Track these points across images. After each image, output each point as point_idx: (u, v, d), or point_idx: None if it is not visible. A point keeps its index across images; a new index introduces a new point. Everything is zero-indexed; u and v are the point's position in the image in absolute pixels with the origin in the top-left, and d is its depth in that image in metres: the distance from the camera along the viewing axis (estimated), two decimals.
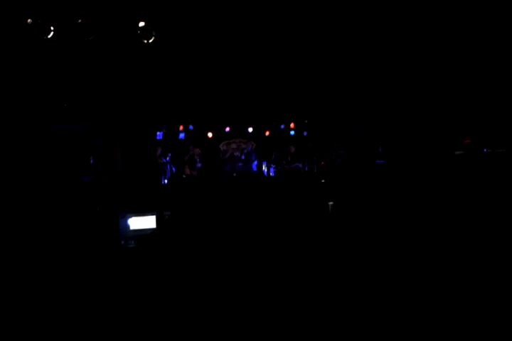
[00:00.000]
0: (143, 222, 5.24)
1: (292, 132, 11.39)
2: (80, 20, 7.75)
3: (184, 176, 9.46)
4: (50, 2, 7.49)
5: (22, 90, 7.94)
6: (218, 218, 3.38)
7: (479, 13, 8.06)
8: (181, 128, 10.83)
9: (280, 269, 3.00)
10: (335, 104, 10.84)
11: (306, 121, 11.44)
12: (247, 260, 2.95)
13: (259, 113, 11.03)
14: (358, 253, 3.62)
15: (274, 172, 10.25)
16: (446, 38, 8.82)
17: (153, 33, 8.06)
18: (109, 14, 7.92)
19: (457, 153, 9.47)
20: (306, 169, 10.39)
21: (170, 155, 9.84)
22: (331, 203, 6.36)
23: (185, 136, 10.85)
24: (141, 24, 7.95)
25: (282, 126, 11.44)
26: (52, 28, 7.54)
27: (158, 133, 10.60)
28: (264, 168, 10.46)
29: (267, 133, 11.39)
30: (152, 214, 5.28)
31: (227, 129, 11.15)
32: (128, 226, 5.20)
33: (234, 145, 11.26)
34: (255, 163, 10.49)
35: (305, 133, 11.47)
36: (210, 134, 11.07)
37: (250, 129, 11.21)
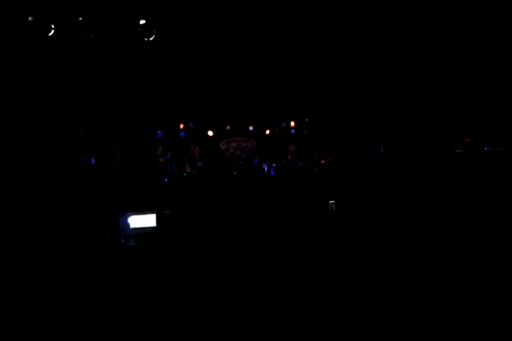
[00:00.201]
0: (143, 221, 5.26)
1: (293, 131, 11.38)
2: (80, 18, 7.75)
3: (184, 175, 9.46)
4: (51, 0, 7.49)
5: (22, 88, 7.94)
6: (218, 216, 3.38)
7: (479, 12, 8.06)
8: (181, 126, 10.82)
9: (280, 267, 3.00)
10: (335, 102, 10.83)
11: (307, 120, 11.43)
12: (247, 258, 2.95)
13: (259, 111, 11.02)
14: (358, 251, 3.62)
15: (274, 170, 10.25)
16: (447, 36, 8.82)
17: (154, 31, 8.06)
18: (110, 12, 7.92)
19: (457, 151, 9.47)
20: (306, 167, 10.39)
21: (170, 153, 9.84)
22: (331, 202, 6.37)
23: (185, 134, 10.85)
24: (142, 22, 7.94)
25: (283, 125, 11.43)
26: (53, 26, 7.53)
27: (158, 131, 10.59)
28: (264, 166, 10.45)
29: (268, 132, 11.38)
30: (152, 213, 5.30)
31: (228, 128, 11.14)
32: (128, 225, 5.22)
33: (234, 144, 11.26)
34: (255, 161, 10.48)
35: (305, 132, 11.46)
36: (210, 133, 11.07)
37: (251, 128, 11.21)
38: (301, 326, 2.48)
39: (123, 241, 4.92)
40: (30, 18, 7.33)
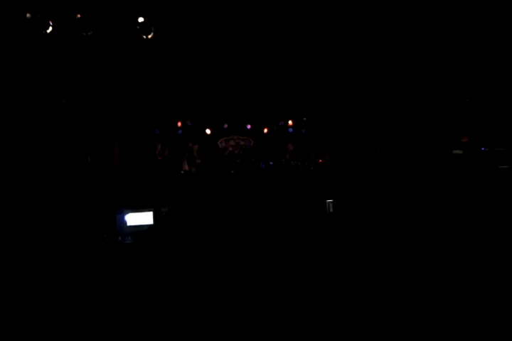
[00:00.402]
0: (140, 218, 5.26)
1: (290, 129, 11.38)
2: (79, 15, 7.72)
3: (182, 172, 9.46)
4: None
5: (20, 85, 7.91)
6: (215, 215, 3.38)
7: (478, 13, 8.06)
8: (179, 124, 10.81)
9: (276, 265, 3.00)
10: (333, 101, 10.83)
11: (305, 119, 11.43)
12: (244, 256, 2.95)
13: (257, 110, 11.02)
14: (356, 250, 3.62)
15: (272, 169, 10.25)
16: (444, 37, 8.83)
17: (153, 29, 8.04)
18: (108, 9, 7.90)
19: (455, 152, 9.49)
20: (301, 167, 10.40)
21: (167, 151, 9.83)
22: (329, 201, 6.37)
23: (183, 132, 10.84)
24: (141, 20, 7.92)
25: (281, 124, 11.43)
26: (51, 23, 7.51)
27: (156, 129, 10.59)
28: (261, 165, 10.45)
29: (265, 131, 11.37)
30: (149, 211, 5.30)
31: (226, 126, 11.14)
32: (125, 222, 5.21)
33: (232, 143, 11.25)
34: (253, 160, 10.48)
35: (303, 131, 11.46)
36: (208, 131, 11.06)
37: (249, 126, 11.20)
38: (297, 324, 2.49)
39: (120, 238, 4.91)
40: (28, 15, 7.30)
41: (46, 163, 6.87)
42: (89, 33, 7.87)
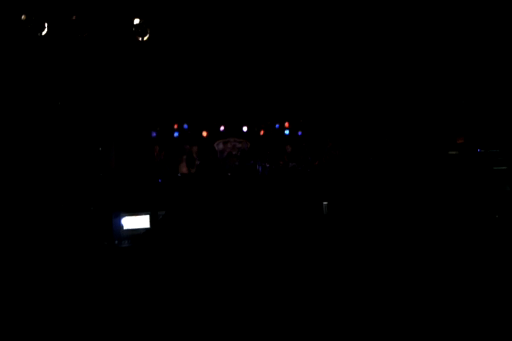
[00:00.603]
0: (136, 222, 5.23)
1: (287, 131, 11.36)
2: (74, 17, 7.70)
3: (179, 175, 9.43)
4: None
5: (15, 87, 7.87)
6: (213, 218, 3.36)
7: (474, 16, 8.10)
8: (175, 127, 10.78)
9: (273, 268, 2.99)
10: (329, 103, 10.84)
11: (301, 121, 11.42)
12: (240, 259, 2.94)
13: (253, 112, 11.01)
14: (352, 252, 3.61)
15: (268, 171, 10.24)
16: (440, 39, 8.85)
17: (148, 31, 8.02)
18: (104, 11, 7.88)
19: (451, 153, 9.51)
20: (300, 169, 10.40)
21: (163, 154, 9.80)
22: (325, 203, 6.37)
23: (179, 135, 10.81)
24: (136, 21, 7.91)
25: (277, 126, 11.42)
26: (46, 25, 7.48)
27: (152, 132, 10.55)
28: (258, 167, 10.44)
29: (262, 133, 11.36)
30: (146, 214, 5.27)
31: (222, 128, 11.11)
32: (121, 226, 5.18)
33: (229, 145, 11.24)
34: (251, 162, 10.48)
35: (299, 133, 11.45)
36: (204, 133, 11.04)
37: (245, 128, 11.18)
38: (295, 323, 2.48)
39: (116, 242, 4.89)
40: (23, 17, 7.27)
41: (41, 168, 6.83)
42: (84, 35, 7.84)
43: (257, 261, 3.05)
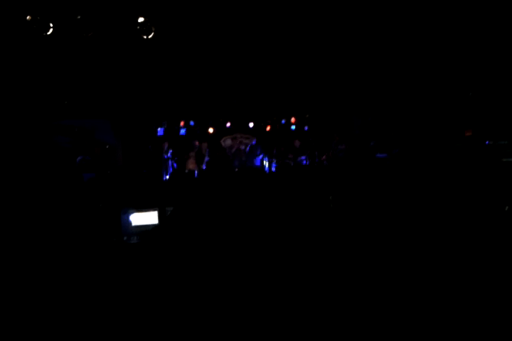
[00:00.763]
0: (145, 218, 5.26)
1: (293, 127, 11.36)
2: (79, 17, 7.73)
3: (186, 171, 9.47)
4: None
5: (22, 87, 7.93)
6: (221, 213, 3.38)
7: (480, 7, 8.03)
8: (182, 124, 10.82)
9: (281, 263, 3.00)
10: (335, 97, 10.81)
11: (307, 116, 11.42)
12: (249, 255, 2.95)
13: (259, 108, 11.01)
14: (359, 248, 3.61)
15: (276, 167, 10.26)
16: (447, 32, 8.78)
17: (153, 29, 8.04)
18: (109, 10, 7.90)
19: (458, 145, 9.46)
20: (307, 163, 10.40)
21: (171, 151, 9.84)
22: (331, 197, 6.35)
23: (186, 131, 10.85)
24: (141, 20, 7.92)
25: (283, 121, 11.42)
26: (51, 25, 7.52)
27: (159, 129, 10.59)
28: (265, 163, 10.46)
29: (268, 128, 11.37)
30: (154, 210, 5.30)
31: (228, 124, 11.13)
32: (130, 222, 5.22)
33: (237, 141, 11.25)
34: (259, 157, 10.50)
35: (306, 128, 11.44)
36: (211, 130, 11.06)
37: (251, 124, 11.19)
38: (300, 322, 2.49)
39: (125, 238, 4.93)
40: (28, 17, 7.31)
41: (50, 165, 6.88)
42: (89, 34, 7.88)
43: (265, 255, 3.06)
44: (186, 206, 3.65)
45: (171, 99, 10.30)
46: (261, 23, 8.62)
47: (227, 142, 11.19)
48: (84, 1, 7.69)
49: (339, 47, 9.48)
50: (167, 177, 9.29)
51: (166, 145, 9.87)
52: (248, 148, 10.82)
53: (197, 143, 10.23)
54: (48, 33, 7.53)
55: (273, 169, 10.28)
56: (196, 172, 9.59)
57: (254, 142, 10.97)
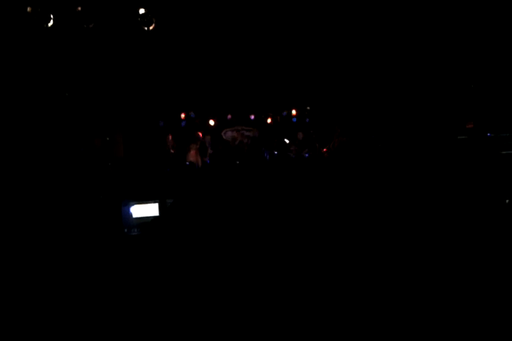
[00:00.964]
0: (145, 210, 5.28)
1: (294, 119, 11.33)
2: (79, 8, 7.70)
3: (187, 163, 9.47)
4: None
5: (22, 79, 7.92)
6: (222, 206, 3.39)
7: (484, 5, 7.99)
8: (183, 116, 10.80)
9: (281, 258, 3.01)
10: (337, 90, 10.78)
11: (308, 108, 11.38)
12: (249, 248, 2.96)
13: (260, 100, 10.99)
14: (358, 244, 3.62)
15: (276, 159, 10.25)
16: (449, 23, 8.75)
17: (154, 20, 8.01)
18: (109, 1, 7.87)
19: (460, 137, 9.44)
20: (308, 156, 10.40)
21: (171, 143, 9.84)
22: (331, 190, 6.34)
23: (186, 123, 10.83)
24: (142, 11, 7.90)
25: (284, 113, 11.39)
26: (52, 17, 7.49)
27: (160, 121, 10.58)
28: (265, 155, 10.46)
29: (269, 121, 11.34)
30: (155, 202, 5.32)
31: (229, 117, 11.11)
32: (131, 214, 5.24)
33: (239, 134, 11.22)
34: (262, 149, 10.50)
35: (307, 120, 11.41)
36: (211, 122, 11.05)
37: (252, 117, 11.17)
38: (301, 320, 2.50)
39: (126, 230, 4.95)
40: (28, 9, 7.29)
41: (50, 157, 6.90)
42: (90, 26, 7.85)
43: (265, 249, 3.07)
44: (187, 198, 3.66)
45: (171, 90, 10.28)
46: (263, 14, 8.58)
47: (227, 134, 11.17)
48: None
49: (341, 39, 9.45)
50: (168, 169, 9.30)
51: (170, 137, 9.87)
52: (249, 141, 10.80)
53: (200, 134, 10.22)
54: (49, 25, 7.51)
55: (274, 161, 10.27)
56: (197, 164, 9.60)
57: (256, 134, 10.94)
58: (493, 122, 9.36)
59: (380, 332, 2.42)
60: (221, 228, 3.16)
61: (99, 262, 3.55)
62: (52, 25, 7.55)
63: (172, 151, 9.73)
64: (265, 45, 9.47)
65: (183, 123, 10.79)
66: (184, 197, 3.67)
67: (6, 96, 7.53)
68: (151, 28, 8.05)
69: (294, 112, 11.36)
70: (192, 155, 9.81)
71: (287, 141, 10.70)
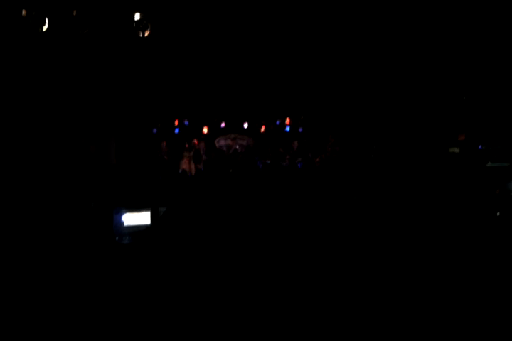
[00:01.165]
0: (137, 218, 5.22)
1: (287, 128, 11.32)
2: (75, 13, 7.68)
3: (180, 171, 9.43)
4: None
5: (16, 83, 7.86)
6: (214, 214, 3.37)
7: (475, 13, 8.08)
8: (176, 123, 10.77)
9: (275, 266, 3.00)
10: (330, 100, 10.82)
11: (302, 117, 11.39)
12: (242, 256, 2.95)
13: (254, 108, 10.99)
14: (353, 248, 3.61)
15: (269, 168, 10.24)
16: (441, 37, 8.83)
17: (149, 26, 8.00)
18: (105, 7, 7.86)
19: (452, 150, 9.51)
20: (301, 165, 10.40)
21: (164, 151, 9.81)
22: (322, 198, 6.34)
23: (180, 131, 10.80)
24: (137, 17, 7.88)
25: (278, 122, 11.39)
26: (47, 21, 7.45)
27: (153, 128, 10.54)
28: (259, 164, 10.45)
29: (263, 129, 11.33)
30: (147, 211, 5.26)
31: (223, 125, 11.09)
32: (122, 223, 5.18)
33: (234, 142, 11.20)
34: (256, 158, 10.49)
35: (300, 129, 11.41)
36: (205, 130, 11.02)
37: (246, 125, 11.16)
38: (300, 320, 2.48)
39: (117, 238, 4.89)
40: (23, 13, 7.24)
41: (42, 163, 6.83)
42: (85, 31, 7.82)
43: (256, 256, 3.06)
44: (180, 207, 3.64)
45: (165, 97, 10.25)
46: (257, 23, 8.62)
47: (221, 142, 11.15)
48: None
49: (335, 49, 9.50)
50: (160, 177, 9.24)
51: (164, 144, 9.84)
52: (243, 149, 10.78)
53: (195, 141, 10.20)
54: (44, 29, 7.46)
55: (267, 170, 10.26)
56: (190, 172, 9.56)
57: (250, 143, 10.92)
58: (484, 135, 9.44)
59: (379, 330, 2.41)
60: (215, 236, 3.15)
61: (91, 269, 3.51)
62: (47, 30, 7.51)
63: (166, 158, 9.69)
64: (260, 53, 9.50)
65: (177, 131, 10.76)
66: (177, 205, 3.65)
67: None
68: (146, 34, 8.04)
69: (287, 121, 11.36)
70: (185, 163, 9.77)
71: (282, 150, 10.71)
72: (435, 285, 2.92)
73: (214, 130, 11.06)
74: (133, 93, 9.66)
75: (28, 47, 7.90)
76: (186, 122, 10.80)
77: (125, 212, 5.09)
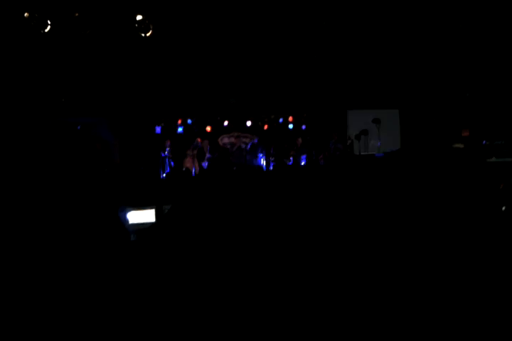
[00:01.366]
0: (142, 216, 5.24)
1: (291, 126, 11.33)
2: (77, 14, 7.71)
3: (184, 169, 9.45)
4: None
5: (19, 84, 7.91)
6: (218, 212, 3.37)
7: (478, 9, 8.06)
8: (179, 122, 10.78)
9: (279, 264, 3.00)
10: (333, 96, 10.82)
11: (305, 115, 11.39)
12: (247, 254, 2.95)
13: (257, 106, 11.00)
14: (355, 249, 3.61)
15: (273, 166, 10.25)
16: (445, 33, 8.81)
17: (151, 27, 8.03)
18: (107, 8, 7.89)
19: (456, 145, 9.48)
20: (304, 162, 10.41)
21: (168, 149, 9.83)
22: (327, 197, 6.34)
23: (183, 129, 10.81)
24: (139, 17, 7.91)
25: (281, 120, 11.39)
26: (49, 22, 7.49)
27: (156, 127, 10.56)
28: (263, 161, 10.46)
29: (266, 127, 11.33)
30: (151, 208, 5.28)
31: (226, 123, 11.10)
32: (127, 221, 5.19)
33: (237, 140, 11.20)
34: (260, 157, 10.51)
35: (303, 127, 11.41)
36: (208, 128, 11.03)
37: (249, 123, 11.16)
38: (300, 321, 2.49)
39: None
40: (26, 14, 7.29)
41: (46, 163, 6.87)
42: (87, 32, 7.86)
43: (262, 255, 3.05)
44: (184, 204, 3.64)
45: (168, 96, 10.28)
46: (259, 21, 8.62)
47: (224, 140, 11.16)
48: None
49: (338, 45, 9.49)
50: (164, 175, 9.27)
51: (168, 143, 9.86)
52: (249, 146, 10.78)
53: (199, 140, 10.21)
54: (46, 30, 7.50)
55: (271, 168, 10.27)
56: (193, 170, 9.58)
57: (255, 141, 10.91)
58: (488, 130, 9.42)
59: (379, 331, 2.41)
60: (219, 235, 3.15)
61: (96, 268, 3.52)
62: (49, 31, 7.55)
63: (170, 156, 9.73)
64: (262, 52, 9.51)
65: (180, 129, 10.77)
66: (182, 203, 3.65)
67: (2, 100, 7.51)
68: (148, 34, 8.06)
69: (290, 119, 11.36)
70: (188, 161, 9.80)
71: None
72: (439, 281, 2.90)
73: (217, 128, 11.07)
74: (136, 93, 9.69)
75: (31, 48, 7.94)
76: (190, 121, 10.82)
77: (130, 210, 5.11)
